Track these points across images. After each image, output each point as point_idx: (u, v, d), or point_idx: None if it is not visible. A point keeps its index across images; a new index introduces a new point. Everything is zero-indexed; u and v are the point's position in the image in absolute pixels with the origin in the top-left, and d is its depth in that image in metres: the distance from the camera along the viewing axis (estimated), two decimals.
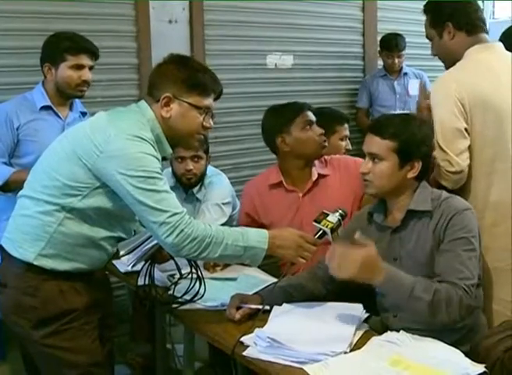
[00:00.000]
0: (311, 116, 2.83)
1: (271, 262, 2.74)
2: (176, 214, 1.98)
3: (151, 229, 2.02)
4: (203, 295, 2.37)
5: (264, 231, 2.14)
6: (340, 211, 2.23)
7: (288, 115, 2.83)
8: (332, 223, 2.19)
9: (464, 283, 2.00)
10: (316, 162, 2.86)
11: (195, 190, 3.11)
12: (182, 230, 1.97)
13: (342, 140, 3.29)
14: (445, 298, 1.96)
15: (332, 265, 1.97)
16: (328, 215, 2.22)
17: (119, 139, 1.97)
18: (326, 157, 2.92)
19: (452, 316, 1.98)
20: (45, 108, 3.00)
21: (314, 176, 2.82)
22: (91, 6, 3.76)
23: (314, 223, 2.21)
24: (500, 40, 3.12)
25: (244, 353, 1.94)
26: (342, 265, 1.95)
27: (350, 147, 3.34)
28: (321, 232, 2.19)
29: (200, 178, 3.11)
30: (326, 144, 2.83)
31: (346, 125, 3.35)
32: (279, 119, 2.84)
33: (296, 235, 2.14)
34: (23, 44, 3.53)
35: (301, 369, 1.81)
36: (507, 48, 2.62)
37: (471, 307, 2.04)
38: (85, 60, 2.95)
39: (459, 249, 2.06)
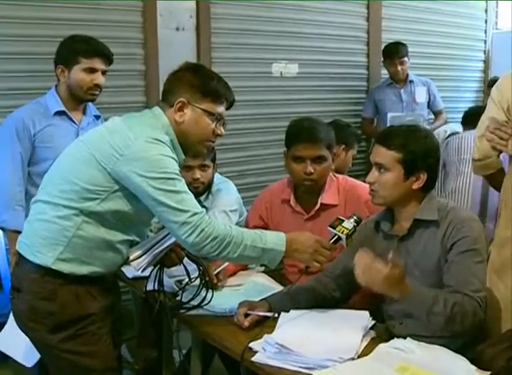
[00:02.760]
0: (305, 152, 2.66)
1: (275, 270, 2.77)
2: (196, 214, 2.01)
3: (172, 229, 2.05)
4: (210, 300, 2.39)
5: (282, 234, 2.16)
6: (355, 217, 2.25)
7: (291, 137, 2.75)
8: (347, 229, 2.21)
9: (478, 295, 2.03)
10: (328, 187, 2.77)
11: (202, 198, 3.11)
12: (202, 230, 2.00)
13: (352, 156, 3.61)
14: (461, 311, 1.99)
15: (357, 270, 2.00)
16: (343, 221, 2.24)
17: (139, 142, 2.00)
18: (341, 180, 2.83)
19: (465, 327, 2.02)
20: (59, 113, 2.98)
21: (318, 205, 2.76)
22: (99, 13, 3.81)
23: (330, 229, 2.23)
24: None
25: (253, 359, 1.96)
26: (365, 273, 1.98)
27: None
28: (336, 237, 2.22)
29: (208, 186, 3.11)
30: (310, 183, 2.70)
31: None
32: (287, 134, 2.79)
33: (312, 240, 2.17)
34: (33, 49, 3.57)
35: (310, 374, 1.83)
36: None
37: (482, 319, 2.07)
38: (98, 64, 2.94)
39: (469, 261, 2.09)
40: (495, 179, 2.59)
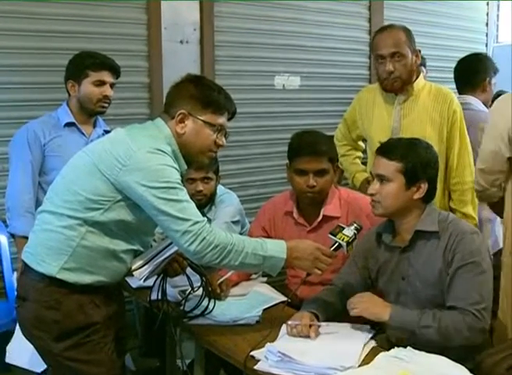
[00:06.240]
0: (307, 165, 2.67)
1: (278, 280, 2.79)
2: (197, 222, 2.04)
3: (174, 238, 2.08)
4: (212, 309, 2.42)
5: (283, 242, 2.19)
6: (356, 224, 2.28)
7: (293, 150, 2.76)
8: (347, 236, 2.24)
9: (474, 307, 2.08)
10: (330, 199, 2.78)
11: (206, 210, 3.13)
12: (204, 238, 2.03)
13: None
14: (451, 324, 2.06)
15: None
16: (343, 228, 2.27)
17: (141, 152, 2.04)
18: (343, 192, 2.84)
19: (464, 341, 2.09)
20: (69, 125, 3.10)
21: (320, 217, 2.77)
22: (105, 26, 3.84)
23: (330, 236, 2.26)
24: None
25: (255, 367, 1.99)
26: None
27: None
28: (336, 245, 2.24)
29: (211, 198, 3.14)
30: (312, 195, 2.71)
31: None
32: (289, 147, 2.79)
33: (313, 247, 2.20)
34: (40, 62, 3.61)
35: None
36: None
37: (485, 329, 2.11)
38: (106, 77, 3.07)
39: (469, 275, 2.14)
40: (497, 207, 2.71)
